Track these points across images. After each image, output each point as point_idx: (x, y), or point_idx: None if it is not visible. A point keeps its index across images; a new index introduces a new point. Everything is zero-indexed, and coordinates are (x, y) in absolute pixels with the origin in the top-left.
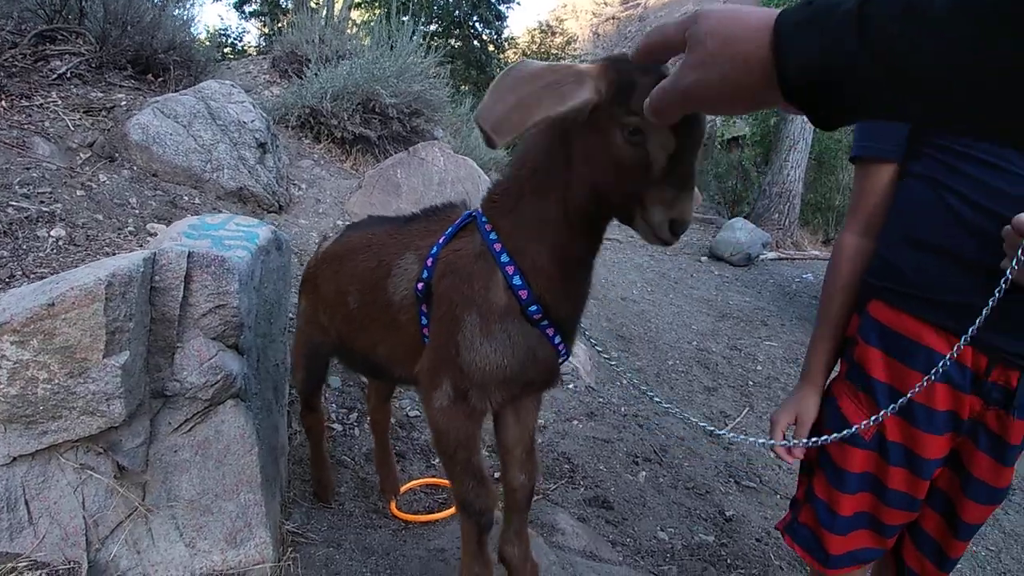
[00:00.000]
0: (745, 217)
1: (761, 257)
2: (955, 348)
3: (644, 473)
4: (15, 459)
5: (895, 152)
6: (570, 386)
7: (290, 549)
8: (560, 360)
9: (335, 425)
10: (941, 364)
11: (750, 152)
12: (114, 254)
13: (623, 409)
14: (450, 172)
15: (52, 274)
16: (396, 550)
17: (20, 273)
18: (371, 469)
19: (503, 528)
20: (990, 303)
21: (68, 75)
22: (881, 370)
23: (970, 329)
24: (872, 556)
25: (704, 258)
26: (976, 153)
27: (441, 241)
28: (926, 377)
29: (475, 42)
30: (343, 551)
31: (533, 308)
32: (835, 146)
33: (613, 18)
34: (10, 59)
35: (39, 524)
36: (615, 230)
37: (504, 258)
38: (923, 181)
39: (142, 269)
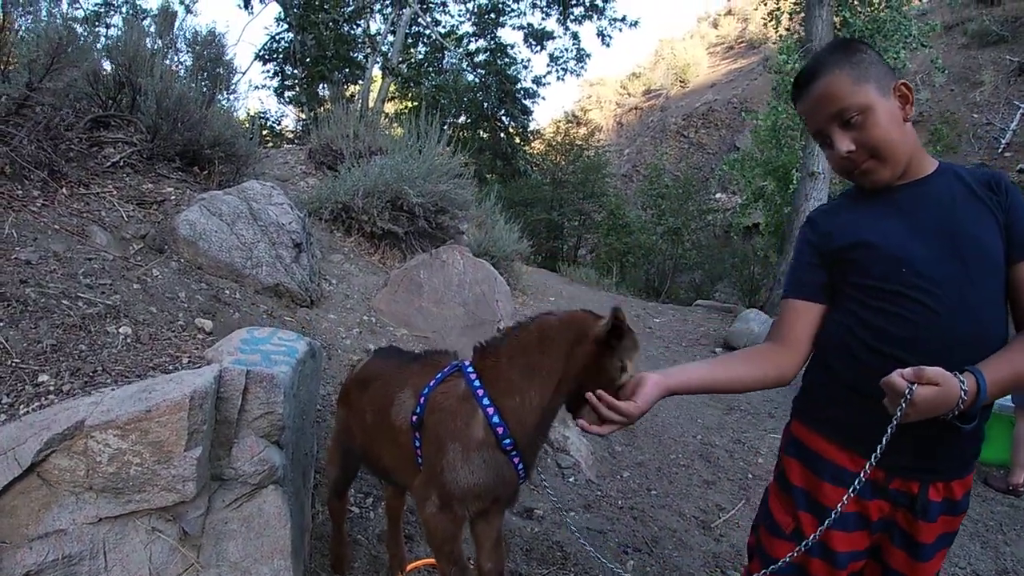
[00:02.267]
0: (760, 307)
1: None
2: (863, 470)
3: (632, 562)
4: (101, 519)
5: (814, 294)
6: (571, 479)
7: None
8: (520, 481)
9: (352, 508)
10: (856, 483)
11: (763, 241)
12: (176, 355)
13: (620, 502)
14: (468, 274)
15: (127, 371)
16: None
17: (101, 369)
18: (382, 548)
19: None
20: (883, 440)
21: (121, 163)
22: (798, 477)
23: (872, 457)
24: None
25: (719, 349)
26: (871, 301)
27: (432, 383)
28: (846, 495)
29: (502, 135)
30: None
31: (507, 442)
32: None
33: (636, 108)
34: (67, 144)
35: (112, 571)
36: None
37: (486, 401)
38: (836, 321)
39: (213, 385)
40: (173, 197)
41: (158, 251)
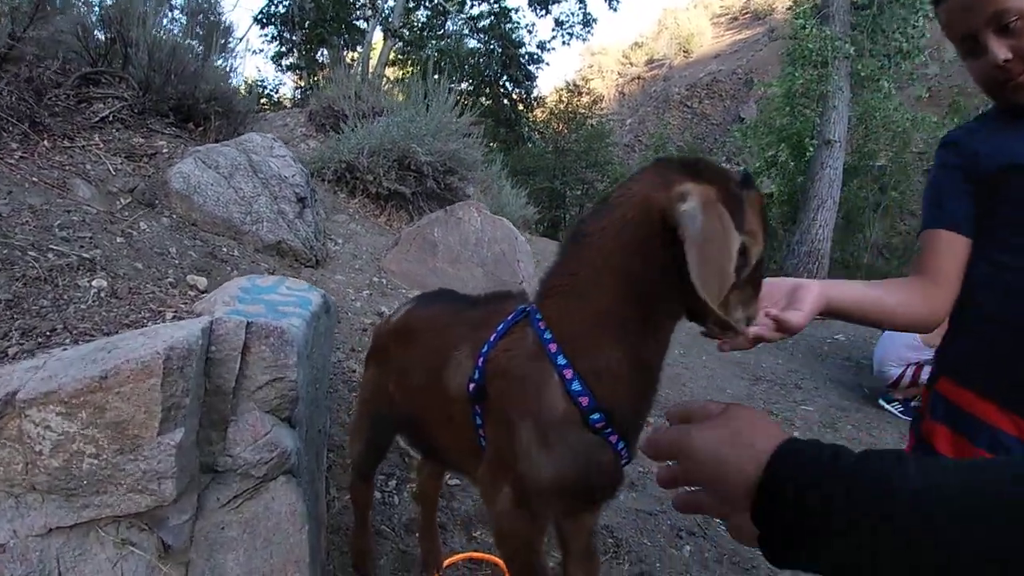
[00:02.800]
0: (771, 276)
1: None
2: None
3: (688, 547)
4: (51, 530)
5: (958, 224)
6: None
7: None
8: (623, 463)
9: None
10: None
11: (777, 211)
12: (159, 310)
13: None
14: (487, 232)
15: (95, 329)
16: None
17: (62, 327)
18: (412, 541)
19: None
20: None
21: (110, 119)
22: (947, 444)
23: None
24: None
25: None
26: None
27: (492, 339)
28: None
29: (505, 101)
30: None
31: (595, 417)
32: (863, 204)
33: (638, 78)
34: (53, 99)
35: None
36: None
37: (561, 360)
38: (986, 259)
39: (200, 341)
40: (166, 151)
41: (148, 206)
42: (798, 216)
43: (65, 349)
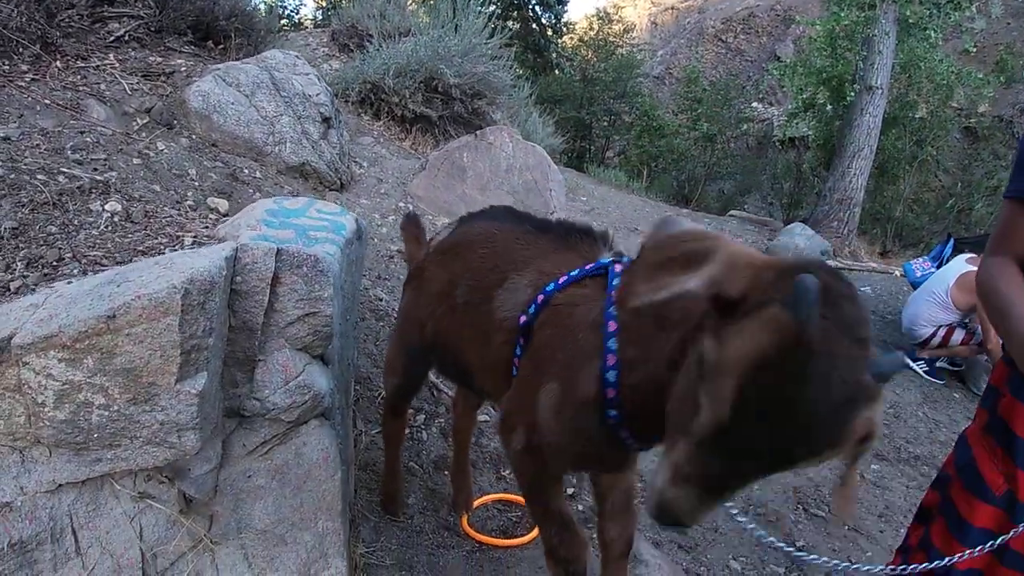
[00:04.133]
0: (803, 221)
1: None
2: None
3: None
4: (61, 486)
5: None
6: None
7: (362, 574)
8: (631, 453)
9: None
10: None
11: (811, 155)
12: (178, 235)
13: None
14: (518, 159)
15: (106, 257)
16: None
17: (70, 255)
18: (440, 478)
19: None
20: None
21: (126, 38)
22: None
23: None
24: None
25: None
26: None
27: (562, 281)
28: None
29: (534, 25)
30: (416, 574)
31: (613, 413)
32: (899, 155)
33: (672, 8)
34: (66, 19)
35: (88, 555)
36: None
37: (612, 344)
38: None
39: (224, 271)
40: (184, 69)
41: (166, 126)
42: (832, 162)
43: (70, 282)
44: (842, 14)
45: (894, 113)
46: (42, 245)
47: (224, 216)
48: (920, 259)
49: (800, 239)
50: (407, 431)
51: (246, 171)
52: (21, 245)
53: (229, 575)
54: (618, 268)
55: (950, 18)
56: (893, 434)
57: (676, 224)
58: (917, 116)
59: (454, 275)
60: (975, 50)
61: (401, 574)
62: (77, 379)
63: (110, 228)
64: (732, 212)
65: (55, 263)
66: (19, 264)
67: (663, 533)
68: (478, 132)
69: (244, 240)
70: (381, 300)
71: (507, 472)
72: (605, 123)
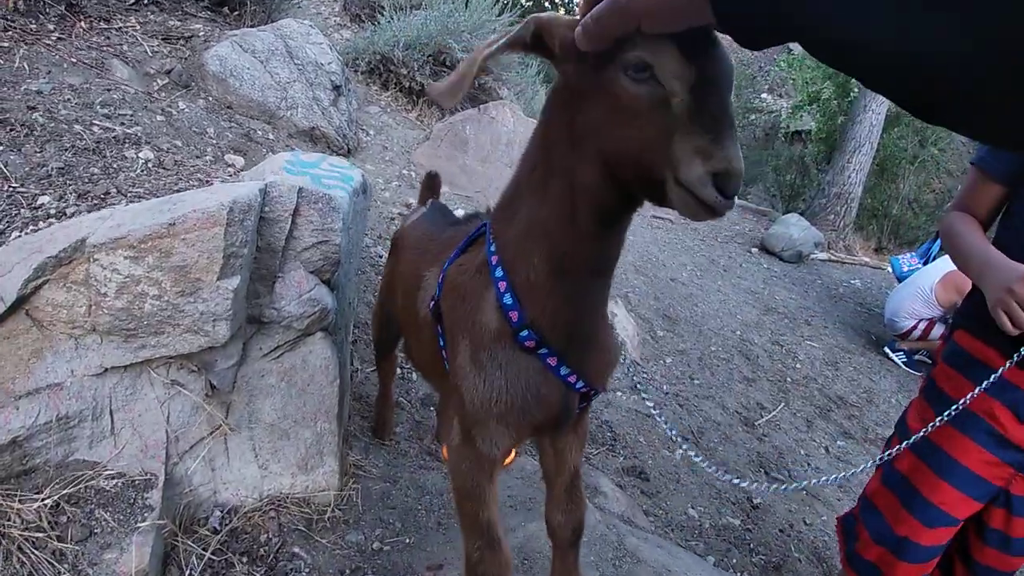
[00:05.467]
0: (800, 214)
1: (812, 256)
2: (1007, 364)
3: (679, 452)
4: (107, 370)
5: (1005, 176)
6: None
7: (351, 480)
8: (578, 393)
9: None
10: (993, 377)
11: (813, 148)
12: (206, 180)
13: (665, 387)
14: (519, 134)
15: (147, 194)
16: (449, 492)
17: (115, 191)
18: (427, 413)
19: (552, 567)
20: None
21: (146, 1)
22: (954, 388)
23: (1014, 356)
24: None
25: (754, 250)
26: None
27: (452, 256)
28: (979, 387)
29: (546, 3)
30: (400, 487)
31: (524, 334)
32: (900, 154)
33: None
34: None
35: (120, 435)
36: (667, 213)
37: (499, 273)
38: (1014, 224)
39: (259, 198)
40: (202, 34)
41: (184, 87)
42: (833, 156)
43: (127, 205)
44: None
45: (897, 112)
46: (88, 183)
47: (240, 171)
48: (907, 254)
49: (794, 229)
50: (400, 371)
51: (259, 132)
52: (69, 182)
53: (238, 462)
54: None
55: None
56: (864, 416)
57: None
58: None
59: (399, 271)
60: None
61: (385, 484)
62: (137, 273)
63: (145, 172)
64: None
65: (103, 196)
66: (71, 195)
67: (626, 478)
68: (481, 107)
69: (271, 179)
70: (381, 257)
71: None
72: None
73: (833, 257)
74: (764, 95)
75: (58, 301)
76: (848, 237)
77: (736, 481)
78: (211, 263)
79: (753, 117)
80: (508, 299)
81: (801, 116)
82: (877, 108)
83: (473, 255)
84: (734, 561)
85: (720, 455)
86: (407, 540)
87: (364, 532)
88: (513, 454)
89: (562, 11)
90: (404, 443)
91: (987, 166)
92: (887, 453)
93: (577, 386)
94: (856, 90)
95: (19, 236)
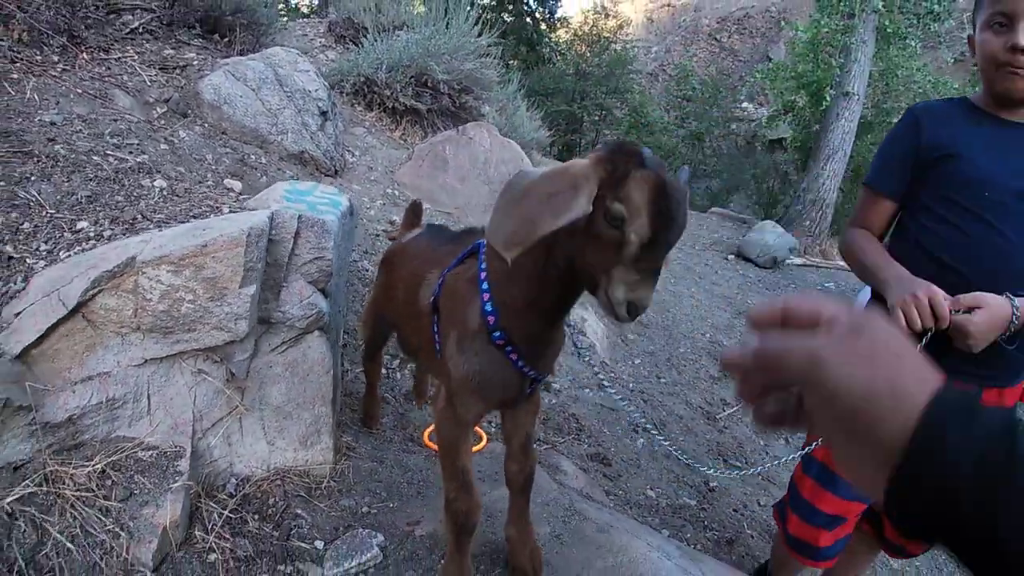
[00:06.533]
0: (777, 221)
1: (787, 261)
2: (923, 340)
3: (642, 440)
4: (147, 361)
5: (894, 194)
6: (586, 359)
7: (343, 458)
8: (529, 381)
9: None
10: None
11: (790, 156)
12: (216, 206)
13: (631, 385)
14: (495, 153)
15: (168, 220)
16: (429, 470)
17: (141, 217)
18: (409, 406)
19: (508, 510)
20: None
21: (140, 30)
22: None
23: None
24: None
25: (731, 256)
26: (936, 208)
27: (451, 264)
28: None
29: (527, 19)
30: (385, 465)
31: (496, 335)
32: None
33: (668, 5)
34: (84, 12)
35: (155, 415)
36: None
37: (484, 285)
38: (906, 234)
39: (267, 225)
40: (196, 63)
41: (182, 115)
42: (808, 164)
43: (161, 230)
44: (823, 21)
45: (871, 119)
46: (115, 209)
47: (239, 194)
48: None
49: (770, 236)
50: (385, 371)
51: (253, 157)
52: (99, 208)
53: (250, 439)
54: (485, 244)
55: (930, 29)
56: None
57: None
58: (893, 122)
59: (398, 279)
60: (955, 60)
61: (373, 463)
62: (177, 283)
63: (162, 199)
64: (713, 209)
65: (131, 221)
66: (104, 221)
67: (589, 463)
68: (460, 128)
69: (275, 208)
70: (367, 271)
71: None
72: (596, 117)
73: (808, 261)
74: (745, 104)
75: (110, 306)
76: (824, 242)
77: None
78: (234, 275)
79: (734, 126)
80: (488, 307)
81: (778, 125)
82: (850, 116)
83: (467, 267)
84: (688, 535)
85: (681, 444)
86: (391, 505)
87: (355, 499)
88: (484, 440)
89: (543, 25)
90: (390, 432)
91: (878, 185)
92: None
93: (531, 374)
94: (828, 99)
95: (68, 255)
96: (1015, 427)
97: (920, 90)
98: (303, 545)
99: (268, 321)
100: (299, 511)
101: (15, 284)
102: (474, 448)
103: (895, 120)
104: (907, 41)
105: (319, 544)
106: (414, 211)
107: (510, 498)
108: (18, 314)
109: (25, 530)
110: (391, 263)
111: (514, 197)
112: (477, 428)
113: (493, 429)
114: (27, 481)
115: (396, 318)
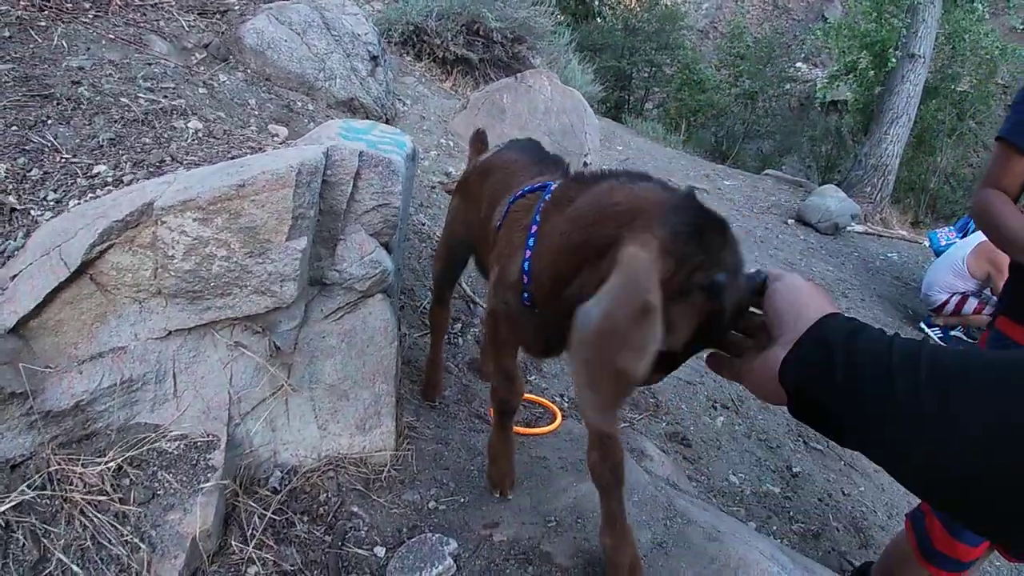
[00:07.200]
0: (836, 185)
1: (848, 228)
2: None
3: (721, 419)
4: (171, 333)
5: None
6: None
7: (406, 441)
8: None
9: None
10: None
11: (850, 119)
12: (258, 148)
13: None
14: (556, 102)
15: (202, 162)
16: None
17: (170, 159)
18: (472, 377)
19: (601, 513)
20: None
21: None
22: None
23: None
24: None
25: (791, 220)
26: None
27: (518, 193)
28: None
29: None
30: (452, 448)
31: (525, 295)
32: (938, 126)
33: None
34: None
35: (183, 397)
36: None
37: (531, 242)
38: None
39: (323, 161)
40: (237, 7)
41: (222, 60)
42: (870, 128)
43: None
44: None
45: (936, 83)
46: (141, 152)
47: (284, 142)
48: (945, 228)
49: (831, 201)
50: (447, 337)
51: (299, 104)
52: (122, 151)
53: (298, 423)
54: (554, 187)
55: None
56: None
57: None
58: (959, 89)
59: (482, 191)
60: (1023, 27)
61: (437, 446)
62: (206, 235)
63: (196, 141)
64: (767, 171)
65: (158, 164)
66: (126, 164)
67: (668, 443)
68: (518, 75)
69: (337, 144)
70: (424, 224)
71: (532, 378)
72: (645, 74)
73: (870, 230)
74: (800, 64)
75: (123, 265)
76: (885, 210)
77: None
78: (280, 224)
79: (788, 86)
80: (526, 266)
81: (837, 86)
82: (915, 79)
83: (527, 206)
84: (774, 528)
85: (760, 424)
86: (462, 499)
87: (419, 492)
88: (559, 419)
89: None
90: (453, 406)
91: (1016, 139)
92: None
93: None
94: (894, 60)
95: (78, 204)
96: (892, 337)
97: (987, 56)
98: (361, 552)
99: (321, 282)
100: (355, 508)
101: (14, 241)
102: (547, 428)
103: (961, 88)
104: (974, 4)
105: (380, 551)
106: (480, 139)
107: (600, 499)
108: (14, 277)
109: (24, 544)
110: (472, 180)
111: (589, 361)
112: (550, 404)
113: (566, 404)
114: (25, 484)
115: (474, 236)
